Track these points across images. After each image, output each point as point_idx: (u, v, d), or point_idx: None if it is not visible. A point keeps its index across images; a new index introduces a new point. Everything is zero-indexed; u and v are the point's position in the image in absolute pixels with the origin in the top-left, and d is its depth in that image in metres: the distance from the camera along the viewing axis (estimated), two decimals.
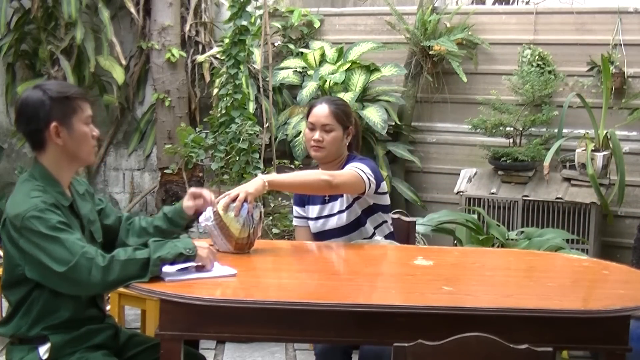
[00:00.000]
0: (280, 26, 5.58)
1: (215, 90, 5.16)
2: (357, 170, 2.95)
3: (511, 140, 4.91)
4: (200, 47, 5.70)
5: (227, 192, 2.74)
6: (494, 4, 6.55)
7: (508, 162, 4.79)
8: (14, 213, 2.30)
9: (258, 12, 5.22)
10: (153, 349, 2.50)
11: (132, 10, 5.50)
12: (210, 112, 5.18)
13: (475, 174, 5.00)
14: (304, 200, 3.21)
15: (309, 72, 5.36)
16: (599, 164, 4.60)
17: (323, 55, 5.39)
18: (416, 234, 3.65)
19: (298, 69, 5.43)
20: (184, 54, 5.57)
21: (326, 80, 5.15)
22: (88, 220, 2.51)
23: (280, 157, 5.06)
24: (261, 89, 5.14)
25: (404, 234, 3.31)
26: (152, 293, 2.29)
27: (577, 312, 2.26)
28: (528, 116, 4.86)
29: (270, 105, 5.06)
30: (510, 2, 6.44)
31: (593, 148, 4.62)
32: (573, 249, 4.20)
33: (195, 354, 2.65)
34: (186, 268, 2.40)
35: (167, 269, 2.35)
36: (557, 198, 4.63)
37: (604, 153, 4.62)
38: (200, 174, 5.39)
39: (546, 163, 4.44)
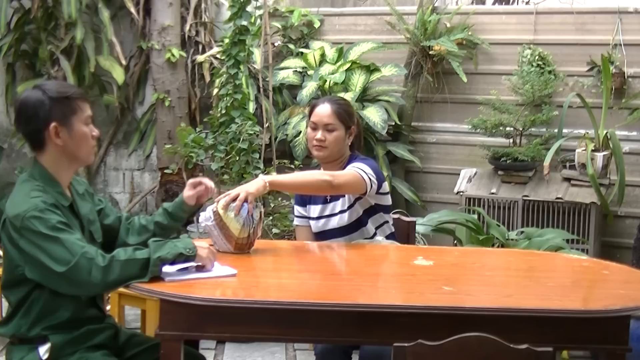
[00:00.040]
0: (280, 26, 5.58)
1: (215, 90, 5.16)
2: (358, 170, 2.94)
3: (511, 140, 4.91)
4: (200, 47, 5.70)
5: (227, 192, 2.74)
6: (494, 4, 6.55)
7: (508, 162, 4.79)
8: (14, 213, 2.30)
9: (258, 12, 5.22)
10: (153, 349, 2.50)
11: (132, 10, 5.50)
12: (210, 112, 5.18)
13: (475, 174, 5.00)
14: (305, 200, 3.21)
15: (309, 72, 5.36)
16: (599, 164, 4.59)
17: (323, 55, 5.39)
18: (416, 234, 3.65)
19: (298, 69, 5.43)
20: (184, 54, 5.57)
21: (326, 80, 5.15)
22: (88, 220, 2.51)
23: (280, 157, 5.05)
24: (261, 89, 5.14)
25: (404, 234, 3.31)
26: (152, 293, 2.29)
27: (577, 312, 2.26)
28: (528, 116, 4.86)
29: (270, 105, 5.06)
30: (510, 2, 6.44)
31: (593, 148, 4.62)
32: (573, 249, 4.20)
33: (195, 354, 2.65)
34: (186, 268, 2.40)
35: (167, 269, 2.35)
36: (557, 198, 4.63)
37: (604, 153, 4.61)
38: (200, 174, 5.39)
39: (546, 163, 4.44)
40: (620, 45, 4.86)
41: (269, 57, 5.13)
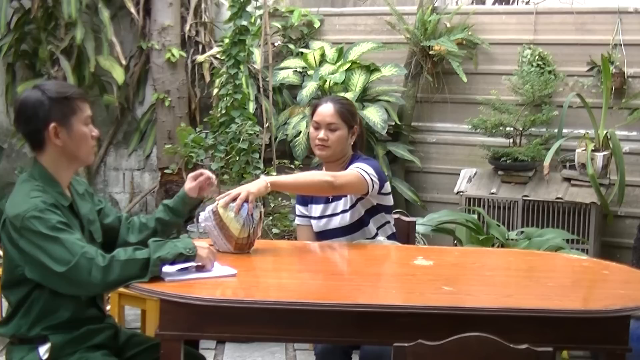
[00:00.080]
0: (280, 26, 5.58)
1: (215, 90, 5.16)
2: (360, 171, 2.94)
3: (511, 140, 4.91)
4: (200, 47, 5.70)
5: (228, 192, 2.75)
6: (494, 4, 6.55)
7: (508, 162, 4.79)
8: (14, 213, 2.30)
9: (258, 12, 5.22)
10: (153, 349, 2.50)
11: (132, 10, 5.50)
12: (210, 112, 5.18)
13: (475, 174, 5.00)
14: (307, 200, 3.21)
15: (309, 72, 5.36)
16: (599, 164, 4.59)
17: (323, 55, 5.39)
18: (416, 234, 3.65)
19: (298, 69, 5.43)
20: (184, 54, 5.57)
21: (326, 80, 5.15)
22: (88, 220, 2.51)
23: (280, 157, 5.05)
24: (261, 89, 5.14)
25: (404, 234, 3.31)
26: (152, 293, 2.29)
27: (577, 312, 2.26)
28: (528, 116, 4.86)
29: (270, 105, 5.06)
30: (510, 2, 6.43)
31: (593, 148, 4.62)
32: (573, 249, 4.20)
33: (195, 354, 2.65)
34: (186, 268, 2.40)
35: (167, 269, 2.35)
36: (557, 198, 4.63)
37: (604, 153, 4.61)
38: None
39: (546, 163, 4.44)
40: (620, 45, 4.86)
41: (269, 57, 5.13)
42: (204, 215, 2.74)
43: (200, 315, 2.24)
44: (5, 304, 3.04)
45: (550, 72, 4.92)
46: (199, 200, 2.77)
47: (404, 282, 2.60)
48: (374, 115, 4.99)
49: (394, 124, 5.23)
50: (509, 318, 2.23)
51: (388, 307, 2.27)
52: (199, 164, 5.02)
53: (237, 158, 4.65)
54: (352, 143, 3.14)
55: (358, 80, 5.16)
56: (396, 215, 3.38)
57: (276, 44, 5.58)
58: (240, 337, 3.07)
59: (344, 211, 3.10)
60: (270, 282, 2.58)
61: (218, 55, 5.33)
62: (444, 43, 5.07)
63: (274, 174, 4.63)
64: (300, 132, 5.10)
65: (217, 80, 5.08)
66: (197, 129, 4.99)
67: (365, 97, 5.23)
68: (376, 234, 3.12)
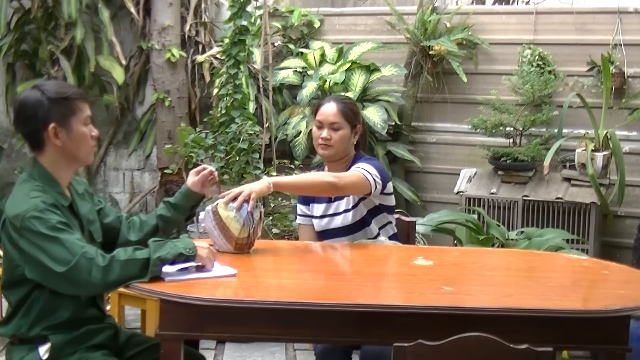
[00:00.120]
0: (280, 26, 5.58)
1: (215, 90, 5.16)
2: (363, 171, 2.95)
3: (511, 140, 4.91)
4: (200, 47, 5.70)
5: (230, 190, 2.75)
6: (494, 4, 6.55)
7: (508, 162, 4.79)
8: (14, 213, 2.30)
9: (258, 12, 5.22)
10: (153, 349, 2.50)
11: (132, 10, 5.50)
12: (210, 112, 5.18)
13: (475, 174, 5.00)
14: (308, 199, 3.21)
15: (309, 72, 5.36)
16: (599, 164, 4.59)
17: (323, 55, 5.39)
18: (416, 234, 3.65)
19: (298, 69, 5.43)
20: (184, 54, 5.57)
21: (326, 80, 5.15)
22: (87, 220, 2.51)
23: (280, 157, 5.05)
24: (261, 89, 5.14)
25: (404, 234, 3.31)
26: (152, 293, 2.29)
27: (577, 312, 2.26)
28: (528, 116, 4.86)
29: (270, 105, 5.06)
30: (510, 2, 6.43)
31: (593, 148, 4.62)
32: (573, 249, 4.20)
33: (195, 354, 2.65)
34: (186, 268, 2.40)
35: (167, 269, 2.35)
36: (557, 198, 4.63)
37: (604, 153, 4.61)
38: None
39: (546, 163, 4.44)
40: (620, 45, 4.86)
41: (269, 57, 5.13)
42: (204, 215, 2.74)
43: (200, 315, 2.24)
44: (5, 304, 3.04)
45: (550, 72, 4.92)
46: (201, 196, 2.77)
47: (404, 282, 2.60)
48: (374, 115, 4.99)
49: (394, 124, 5.23)
50: (509, 318, 2.23)
51: (388, 307, 2.27)
52: (199, 164, 5.02)
53: (237, 158, 4.65)
54: (354, 142, 3.14)
55: (358, 80, 5.16)
56: (396, 215, 3.38)
57: (276, 44, 5.58)
58: (240, 337, 3.07)
59: (346, 210, 3.10)
60: (270, 282, 2.58)
61: (218, 55, 5.33)
62: (444, 43, 5.07)
63: (274, 174, 4.63)
64: (300, 132, 5.10)
65: (217, 80, 5.08)
66: (197, 129, 4.99)
67: (365, 97, 5.23)
68: (378, 234, 3.12)
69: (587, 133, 4.72)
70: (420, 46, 5.18)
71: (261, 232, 2.82)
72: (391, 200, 3.14)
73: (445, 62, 5.22)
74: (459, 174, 5.02)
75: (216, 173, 2.80)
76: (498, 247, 4.14)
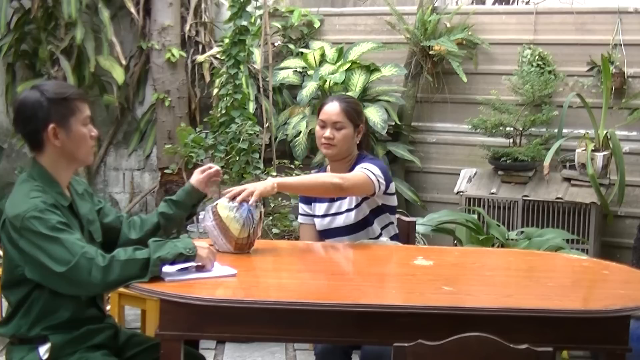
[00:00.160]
0: (280, 26, 5.58)
1: (215, 90, 5.16)
2: (367, 172, 2.95)
3: (511, 140, 4.91)
4: (200, 47, 5.70)
5: (233, 187, 2.76)
6: (494, 4, 6.55)
7: (508, 162, 4.79)
8: (14, 213, 2.30)
9: (258, 12, 5.22)
10: (153, 349, 2.50)
11: (132, 10, 5.50)
12: (210, 112, 5.18)
13: (475, 174, 5.00)
14: (310, 198, 3.21)
15: (309, 72, 5.36)
16: (599, 164, 4.59)
17: (323, 55, 5.39)
18: (416, 234, 3.65)
19: (298, 69, 5.43)
20: (184, 54, 5.57)
21: (326, 80, 5.15)
22: (87, 220, 2.51)
23: (280, 157, 5.05)
24: (261, 89, 5.14)
25: (404, 234, 3.31)
26: (152, 293, 2.29)
27: (577, 312, 2.26)
28: (528, 116, 4.86)
29: (270, 105, 5.06)
30: (510, 2, 6.43)
31: (593, 148, 4.62)
32: (573, 249, 4.20)
33: (195, 354, 2.65)
34: (186, 268, 2.40)
35: (167, 269, 2.35)
36: (557, 198, 4.63)
37: (604, 153, 4.61)
38: None
39: (546, 163, 4.43)
40: (620, 45, 4.86)
41: (269, 57, 5.13)
42: (204, 215, 2.74)
43: (200, 315, 2.24)
44: (5, 304, 3.04)
45: (550, 72, 4.92)
46: (203, 195, 2.78)
47: (404, 282, 2.60)
48: (374, 115, 4.99)
49: (394, 124, 5.23)
50: (509, 318, 2.23)
51: (388, 307, 2.27)
52: (199, 164, 5.02)
53: (237, 158, 4.65)
54: (357, 142, 3.14)
55: (358, 80, 5.16)
56: (397, 216, 3.39)
57: (276, 44, 5.58)
58: (240, 337, 3.07)
59: (348, 210, 3.10)
60: (270, 282, 2.58)
61: (218, 55, 5.33)
62: (444, 43, 5.07)
63: (274, 174, 4.63)
64: (300, 132, 5.10)
65: (217, 80, 5.08)
66: (197, 129, 4.99)
67: (365, 97, 5.23)
68: (380, 234, 3.12)
69: (587, 133, 4.72)
70: (420, 46, 5.18)
71: (261, 232, 2.82)
72: (393, 201, 3.15)
73: (445, 62, 5.22)
74: (459, 174, 5.02)
75: (220, 170, 2.81)
76: (498, 247, 4.14)
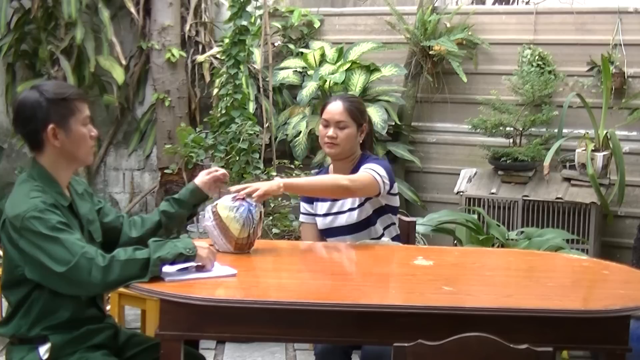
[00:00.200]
0: (280, 26, 5.58)
1: (215, 90, 5.16)
2: (373, 172, 2.95)
3: (511, 140, 4.91)
4: (200, 47, 5.70)
5: (234, 186, 2.76)
6: (494, 4, 6.55)
7: (508, 162, 4.79)
8: (14, 213, 2.30)
9: (258, 12, 5.22)
10: (153, 349, 2.50)
11: (132, 10, 5.50)
12: (210, 112, 5.18)
13: (475, 174, 5.00)
14: (312, 197, 3.21)
15: (309, 72, 5.36)
16: (599, 164, 4.59)
17: (323, 55, 5.39)
18: (416, 234, 3.65)
19: (298, 69, 5.43)
20: (184, 54, 5.57)
21: (326, 80, 5.15)
22: (87, 220, 2.51)
23: (280, 157, 5.05)
24: (261, 89, 5.14)
25: (404, 234, 3.31)
26: (152, 293, 2.29)
27: (577, 312, 2.26)
28: (528, 116, 4.86)
29: (270, 105, 5.06)
30: (510, 2, 6.44)
31: (593, 148, 4.62)
32: (573, 249, 4.20)
33: (195, 354, 2.65)
34: (186, 268, 2.40)
35: (167, 269, 2.35)
36: (557, 198, 4.63)
37: (604, 153, 4.61)
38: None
39: (546, 163, 4.44)
40: (620, 45, 4.86)
41: (269, 57, 5.13)
42: (205, 215, 2.74)
43: (200, 315, 2.24)
44: (5, 304, 3.04)
45: (550, 72, 4.92)
46: (206, 196, 2.77)
47: (404, 282, 2.60)
48: (374, 115, 4.99)
49: (394, 124, 5.23)
50: (509, 318, 2.23)
51: (388, 307, 2.27)
52: (199, 164, 5.03)
53: (237, 158, 4.65)
54: (361, 141, 3.14)
55: (358, 80, 5.16)
56: (398, 216, 3.39)
57: (276, 44, 5.58)
58: (240, 337, 3.07)
59: (351, 209, 3.09)
60: (270, 282, 2.58)
61: (218, 55, 5.33)
62: (444, 43, 5.07)
63: (274, 174, 4.63)
64: (300, 132, 5.11)
65: (217, 80, 5.08)
66: (197, 129, 4.99)
67: (365, 97, 5.22)
68: (382, 235, 3.11)
69: (587, 133, 4.73)
70: (420, 46, 5.18)
71: (261, 232, 2.82)
72: (396, 201, 3.15)
73: (445, 62, 5.22)
74: (459, 174, 5.02)
75: (226, 173, 2.81)
76: (498, 247, 4.14)
